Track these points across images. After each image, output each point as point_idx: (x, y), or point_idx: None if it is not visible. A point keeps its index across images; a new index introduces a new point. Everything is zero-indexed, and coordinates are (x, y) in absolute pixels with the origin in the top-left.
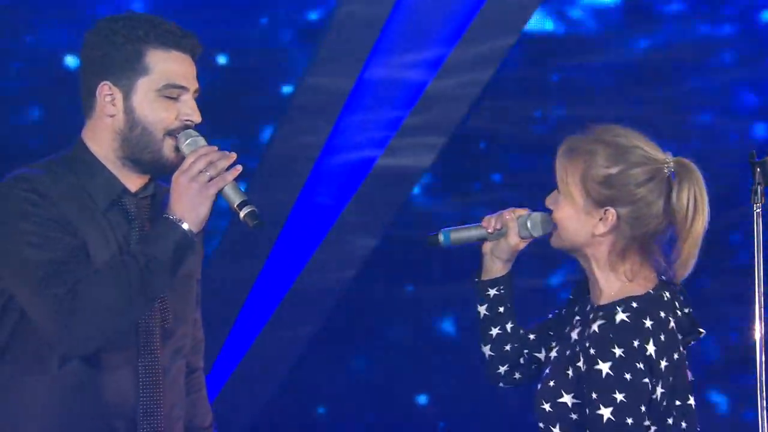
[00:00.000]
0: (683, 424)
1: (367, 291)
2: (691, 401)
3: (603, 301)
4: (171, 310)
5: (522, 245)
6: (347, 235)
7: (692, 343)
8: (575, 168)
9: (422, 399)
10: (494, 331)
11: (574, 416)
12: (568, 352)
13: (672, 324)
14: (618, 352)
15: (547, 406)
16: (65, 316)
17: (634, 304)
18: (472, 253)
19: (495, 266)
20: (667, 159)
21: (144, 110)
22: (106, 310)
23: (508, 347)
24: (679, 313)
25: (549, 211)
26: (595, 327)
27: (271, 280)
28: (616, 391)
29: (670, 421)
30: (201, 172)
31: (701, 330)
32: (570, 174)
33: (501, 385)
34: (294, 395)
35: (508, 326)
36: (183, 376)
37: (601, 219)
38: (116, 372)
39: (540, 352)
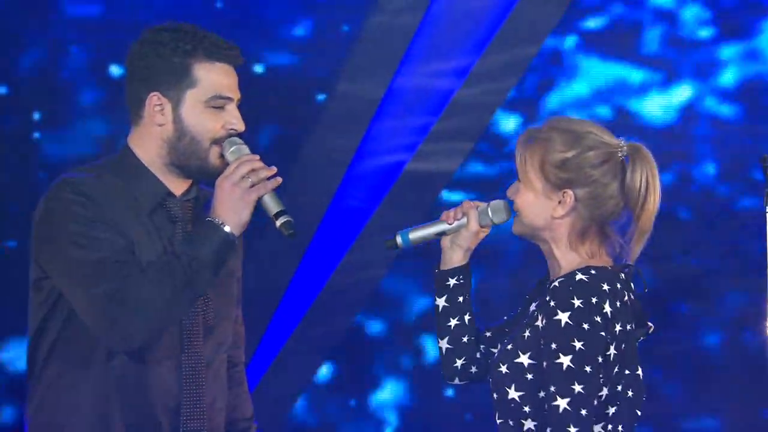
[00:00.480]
0: (629, 393)
1: (397, 290)
2: (639, 372)
3: (562, 273)
4: (213, 307)
5: (482, 234)
6: (378, 236)
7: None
8: (533, 155)
9: (450, 392)
10: (453, 323)
11: (529, 376)
12: (526, 320)
13: (626, 299)
14: (577, 303)
15: (503, 368)
16: (112, 313)
17: (593, 271)
18: (496, 254)
19: (455, 256)
20: (620, 144)
21: (192, 120)
22: (151, 308)
23: (465, 339)
24: (632, 295)
25: (511, 203)
26: (555, 283)
27: (305, 279)
28: (575, 339)
29: (619, 387)
30: (243, 177)
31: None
32: (529, 161)
33: (457, 381)
34: (328, 388)
35: (466, 318)
36: (225, 369)
37: (559, 201)
38: (160, 366)
39: (496, 348)
